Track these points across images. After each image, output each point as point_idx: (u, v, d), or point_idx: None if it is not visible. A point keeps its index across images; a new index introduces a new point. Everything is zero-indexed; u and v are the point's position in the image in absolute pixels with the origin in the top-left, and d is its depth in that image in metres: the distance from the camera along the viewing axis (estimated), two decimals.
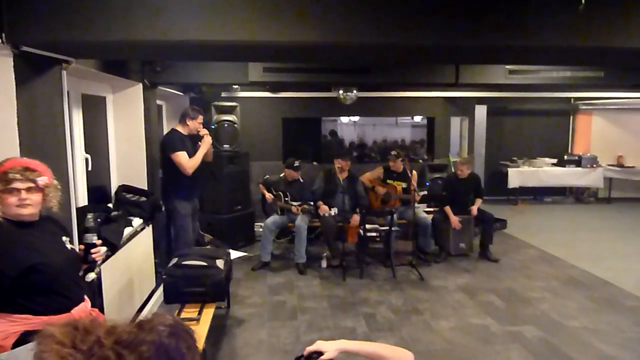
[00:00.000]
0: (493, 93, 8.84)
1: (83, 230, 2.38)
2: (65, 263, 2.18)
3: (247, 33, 2.56)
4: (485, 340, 4.13)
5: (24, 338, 1.97)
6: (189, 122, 4.87)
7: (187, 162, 4.73)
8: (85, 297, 2.31)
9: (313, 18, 2.62)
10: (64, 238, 2.25)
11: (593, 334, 4.23)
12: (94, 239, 2.36)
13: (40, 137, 2.85)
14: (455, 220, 6.24)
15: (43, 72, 2.90)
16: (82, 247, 2.33)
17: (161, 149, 4.92)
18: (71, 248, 2.27)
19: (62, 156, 3.09)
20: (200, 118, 4.92)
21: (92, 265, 2.41)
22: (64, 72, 3.12)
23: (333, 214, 5.72)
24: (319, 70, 5.07)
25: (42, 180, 2.08)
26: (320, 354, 1.54)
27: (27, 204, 2.04)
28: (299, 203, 5.96)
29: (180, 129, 4.91)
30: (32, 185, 2.04)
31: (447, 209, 6.29)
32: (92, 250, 2.34)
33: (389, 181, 6.42)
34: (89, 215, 2.47)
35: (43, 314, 2.05)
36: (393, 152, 6.44)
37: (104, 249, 3.49)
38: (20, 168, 2.02)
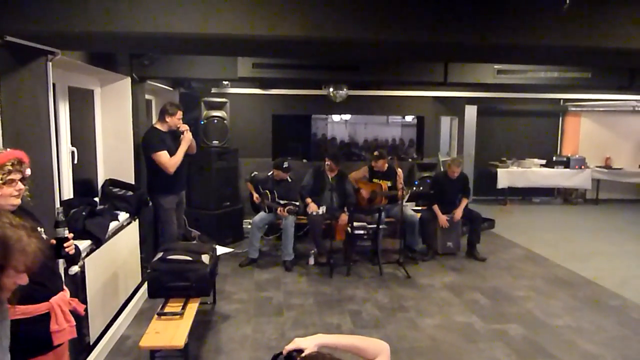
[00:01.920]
0: (483, 93, 8.90)
1: (53, 225, 2.36)
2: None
3: (233, 26, 2.56)
4: (469, 338, 4.16)
5: None
6: (167, 119, 4.85)
7: (167, 161, 4.73)
8: (65, 287, 2.31)
9: (300, 12, 2.62)
10: (39, 228, 2.24)
11: (576, 332, 4.27)
12: (65, 232, 2.33)
13: (24, 128, 2.83)
14: (443, 218, 6.27)
15: (28, 63, 2.88)
16: (54, 242, 2.31)
17: (142, 148, 4.89)
18: (46, 238, 2.26)
19: (46, 148, 3.07)
20: (180, 114, 4.89)
21: (69, 258, 2.39)
22: (50, 64, 3.09)
23: (321, 212, 5.72)
24: (309, 67, 5.07)
25: (28, 172, 2.14)
26: (300, 351, 1.52)
27: (20, 195, 2.10)
28: (285, 202, 5.95)
29: (159, 126, 4.90)
30: (21, 176, 2.11)
31: (435, 207, 6.32)
32: (65, 245, 2.32)
33: (374, 180, 6.43)
34: (59, 209, 2.44)
35: (21, 303, 2.04)
36: (375, 153, 6.43)
37: (86, 242, 3.48)
38: (16, 160, 2.09)
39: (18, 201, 2.10)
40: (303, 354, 1.51)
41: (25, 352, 2.06)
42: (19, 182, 2.08)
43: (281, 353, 1.55)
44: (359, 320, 4.49)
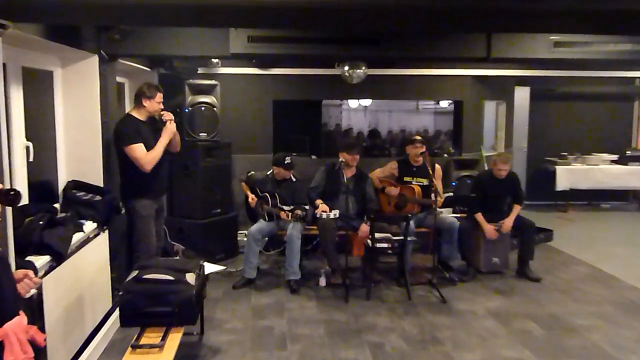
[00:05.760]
0: (537, 72, 8.85)
1: None
2: None
3: None
4: None
5: None
6: (145, 103, 4.87)
7: (143, 156, 4.74)
8: (21, 312, 2.34)
9: None
10: None
11: None
12: None
13: None
14: (489, 228, 6.23)
15: None
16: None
17: (114, 140, 4.94)
18: (1, 250, 2.30)
19: None
20: (159, 96, 4.91)
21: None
22: None
23: (333, 216, 5.71)
24: (318, 41, 5.07)
25: None
26: None
27: None
28: (291, 207, 5.97)
29: (135, 113, 4.93)
30: None
31: (479, 216, 6.28)
32: None
33: (405, 178, 6.42)
34: None
35: None
36: (416, 136, 6.54)
37: (45, 258, 3.53)
38: None
39: None
40: None
41: None
42: None
43: None
44: (381, 355, 4.50)
